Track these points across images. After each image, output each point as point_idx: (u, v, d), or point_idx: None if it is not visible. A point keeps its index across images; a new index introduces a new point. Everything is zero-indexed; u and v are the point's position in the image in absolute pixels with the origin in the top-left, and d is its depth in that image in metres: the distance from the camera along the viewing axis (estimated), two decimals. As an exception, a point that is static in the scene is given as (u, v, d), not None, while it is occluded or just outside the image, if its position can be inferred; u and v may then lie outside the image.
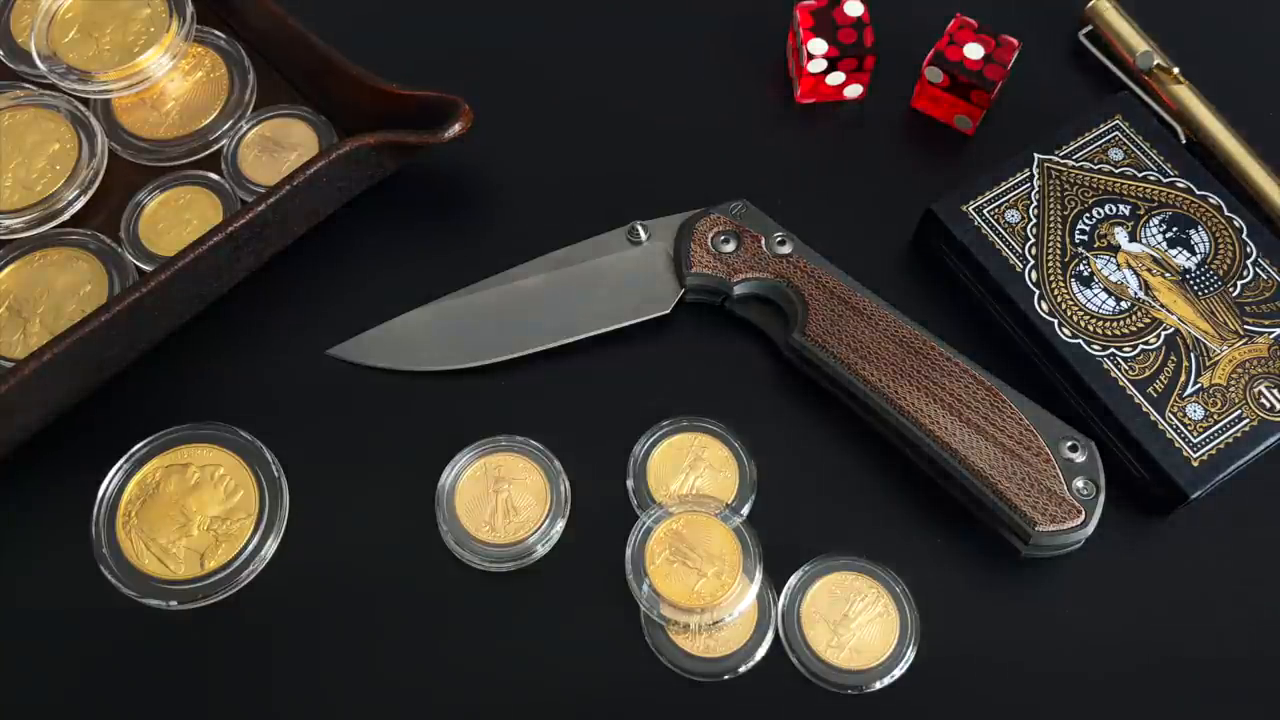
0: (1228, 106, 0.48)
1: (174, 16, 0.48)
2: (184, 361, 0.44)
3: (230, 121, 0.48)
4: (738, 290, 0.44)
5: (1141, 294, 0.43)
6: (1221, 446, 0.40)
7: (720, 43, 0.52)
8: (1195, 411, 0.41)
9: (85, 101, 0.48)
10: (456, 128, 0.44)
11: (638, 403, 0.43)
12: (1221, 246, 0.43)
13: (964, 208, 0.44)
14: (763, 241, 0.44)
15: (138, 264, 0.45)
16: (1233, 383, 0.41)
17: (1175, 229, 0.44)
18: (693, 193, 0.46)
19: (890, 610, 0.40)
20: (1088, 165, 0.45)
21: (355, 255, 0.47)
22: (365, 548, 0.41)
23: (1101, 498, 0.39)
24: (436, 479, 0.41)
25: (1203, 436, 0.40)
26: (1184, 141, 0.46)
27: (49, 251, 0.45)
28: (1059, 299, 0.42)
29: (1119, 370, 0.41)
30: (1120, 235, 0.44)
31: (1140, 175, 0.45)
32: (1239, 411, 0.41)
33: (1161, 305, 0.42)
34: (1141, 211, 0.44)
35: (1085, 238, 0.44)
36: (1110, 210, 0.44)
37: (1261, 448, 0.40)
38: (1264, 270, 0.43)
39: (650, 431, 0.43)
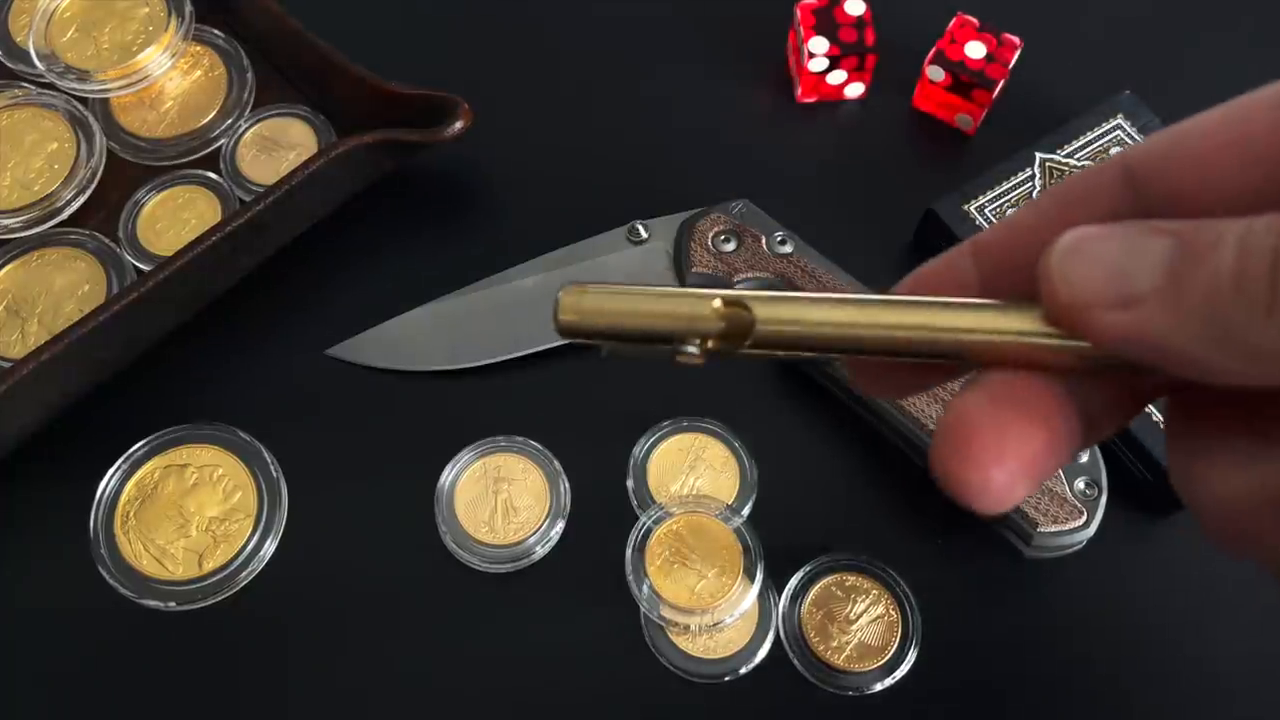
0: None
1: (172, 15, 0.48)
2: (182, 362, 0.44)
3: (229, 120, 0.48)
4: (739, 290, 0.44)
5: (1143, 294, 0.42)
6: (1224, 447, 0.40)
7: (720, 42, 0.52)
8: (1197, 412, 0.40)
9: (84, 100, 0.47)
10: (456, 127, 0.44)
11: (638, 403, 0.43)
12: (1224, 246, 0.43)
13: (965, 207, 0.44)
14: (763, 241, 0.44)
15: (136, 264, 0.45)
16: (1235, 383, 0.41)
17: (1177, 228, 0.44)
18: (693, 192, 0.46)
19: (892, 611, 0.40)
20: (1090, 164, 0.45)
21: (354, 255, 0.46)
22: (364, 548, 0.41)
23: (1103, 498, 0.39)
24: (436, 479, 0.41)
25: (1205, 437, 0.40)
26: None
27: (47, 251, 0.45)
28: (1061, 299, 0.42)
29: (1121, 370, 0.41)
30: (1122, 235, 0.43)
31: (1142, 174, 0.45)
32: (1241, 412, 0.40)
33: (1164, 305, 0.42)
34: (1143, 211, 0.44)
35: (1087, 237, 0.43)
36: (1112, 210, 0.44)
37: (1264, 448, 0.40)
38: (1266, 270, 0.43)
39: (650, 432, 0.42)
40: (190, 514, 0.41)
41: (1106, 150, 0.45)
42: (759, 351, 0.23)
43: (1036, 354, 0.21)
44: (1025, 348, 0.21)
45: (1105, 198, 0.21)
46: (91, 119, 0.47)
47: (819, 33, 0.47)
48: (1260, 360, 0.17)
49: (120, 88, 0.47)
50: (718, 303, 0.23)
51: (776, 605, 0.40)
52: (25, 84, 0.49)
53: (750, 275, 0.43)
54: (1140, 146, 0.21)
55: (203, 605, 0.40)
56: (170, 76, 0.48)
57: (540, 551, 0.41)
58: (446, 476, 0.41)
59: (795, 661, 0.39)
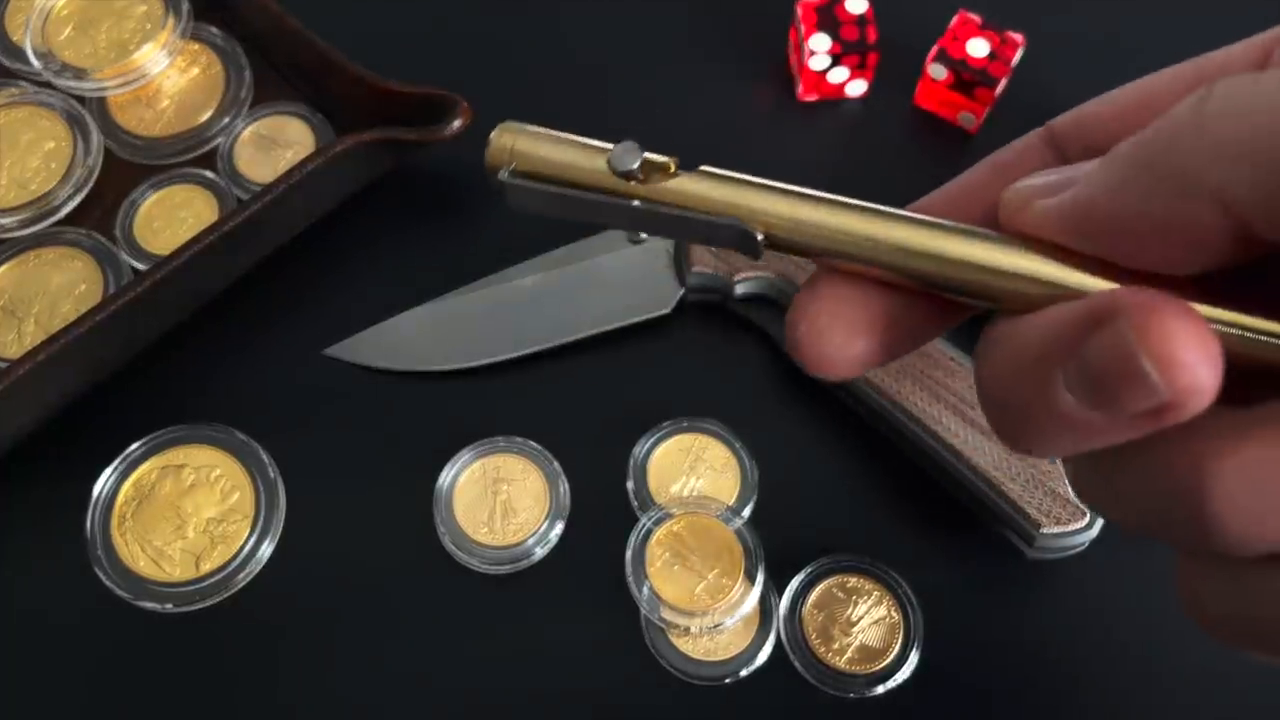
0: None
1: (170, 13, 0.47)
2: (179, 361, 0.44)
3: (226, 119, 0.48)
4: (739, 290, 0.43)
5: (1147, 293, 0.42)
6: (1228, 447, 0.40)
7: (720, 41, 0.52)
8: (1201, 412, 0.40)
9: (80, 99, 0.47)
10: (455, 125, 0.43)
11: (638, 403, 0.43)
12: (1228, 245, 0.43)
13: (967, 206, 0.44)
14: (764, 240, 0.43)
15: (133, 263, 0.45)
16: (1239, 383, 0.41)
17: (1181, 227, 0.43)
18: (693, 191, 0.45)
19: (893, 613, 0.39)
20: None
21: (353, 254, 0.46)
22: (362, 549, 0.41)
23: (1107, 499, 0.39)
24: (434, 480, 0.41)
25: (1209, 437, 0.40)
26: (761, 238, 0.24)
27: (43, 250, 0.45)
28: (1064, 298, 0.42)
29: (1124, 370, 0.41)
30: (1125, 234, 0.43)
31: (1145, 173, 0.44)
32: (1246, 412, 0.40)
33: (1167, 304, 0.42)
34: (1147, 210, 0.44)
35: (1090, 236, 0.43)
36: (1115, 208, 0.44)
37: (1268, 449, 0.40)
38: (1271, 269, 0.43)
39: (650, 432, 0.42)
40: (187, 515, 0.41)
41: (1109, 149, 0.45)
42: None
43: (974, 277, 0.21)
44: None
45: (1034, 156, 0.24)
46: (88, 117, 0.47)
47: (820, 30, 0.47)
48: (1190, 189, 0.18)
49: (117, 86, 0.47)
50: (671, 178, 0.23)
51: (777, 607, 0.39)
52: (22, 82, 0.48)
53: (751, 274, 0.43)
54: (1066, 113, 0.24)
55: (200, 607, 0.39)
56: (167, 75, 0.48)
57: (539, 553, 0.40)
58: (445, 477, 0.41)
59: (796, 664, 0.39)
